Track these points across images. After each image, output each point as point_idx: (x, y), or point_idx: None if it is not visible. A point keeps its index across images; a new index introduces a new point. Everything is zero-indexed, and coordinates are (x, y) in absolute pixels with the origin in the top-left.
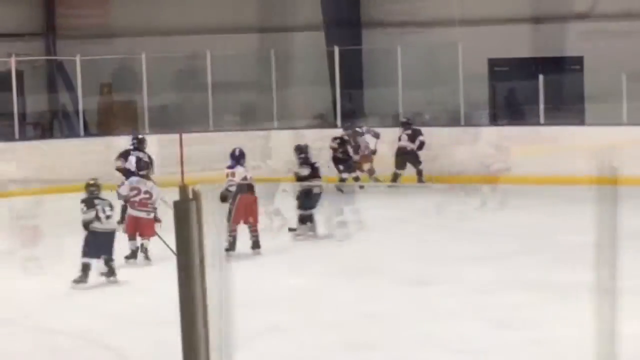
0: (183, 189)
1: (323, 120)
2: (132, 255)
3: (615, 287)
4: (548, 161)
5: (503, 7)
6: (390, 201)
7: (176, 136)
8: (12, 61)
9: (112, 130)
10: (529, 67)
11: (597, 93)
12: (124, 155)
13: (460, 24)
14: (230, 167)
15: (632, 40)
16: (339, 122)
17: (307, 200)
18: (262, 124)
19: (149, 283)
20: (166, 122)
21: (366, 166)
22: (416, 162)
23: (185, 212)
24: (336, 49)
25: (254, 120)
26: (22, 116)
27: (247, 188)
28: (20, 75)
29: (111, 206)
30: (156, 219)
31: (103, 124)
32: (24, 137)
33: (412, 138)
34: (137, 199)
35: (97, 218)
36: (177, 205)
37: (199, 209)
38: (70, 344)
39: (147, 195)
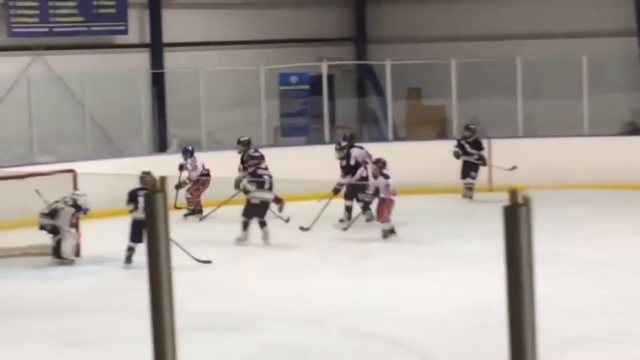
0: (513, 193)
1: (634, 128)
2: None
3: None
4: None
5: None
6: None
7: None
8: (324, 66)
9: (420, 135)
10: None
11: None
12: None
13: None
14: None
15: None
16: None
17: None
18: (569, 131)
19: (465, 288)
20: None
21: None
22: None
23: (515, 217)
24: None
25: (558, 127)
26: (332, 120)
27: None
28: (330, 79)
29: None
30: None
31: (411, 129)
32: (333, 140)
33: None
34: None
35: (136, 208)
36: (506, 211)
37: (528, 214)
38: (378, 347)
39: None
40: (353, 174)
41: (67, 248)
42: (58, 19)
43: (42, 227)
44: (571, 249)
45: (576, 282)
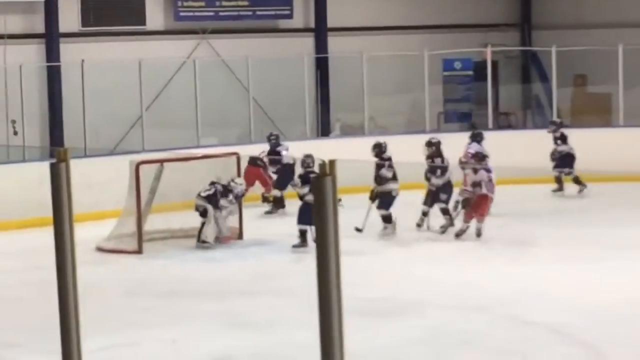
0: None
1: None
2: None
3: None
4: None
5: None
6: None
7: None
8: (488, 51)
9: (586, 122)
10: None
11: None
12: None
13: None
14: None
15: None
16: None
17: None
18: None
19: (631, 278)
20: None
21: None
22: None
23: None
24: None
25: None
26: (496, 106)
27: None
28: (494, 65)
29: None
30: None
31: (576, 116)
32: (496, 126)
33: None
34: None
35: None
36: None
37: None
38: (543, 336)
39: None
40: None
41: (208, 232)
42: (224, 3)
43: (196, 209)
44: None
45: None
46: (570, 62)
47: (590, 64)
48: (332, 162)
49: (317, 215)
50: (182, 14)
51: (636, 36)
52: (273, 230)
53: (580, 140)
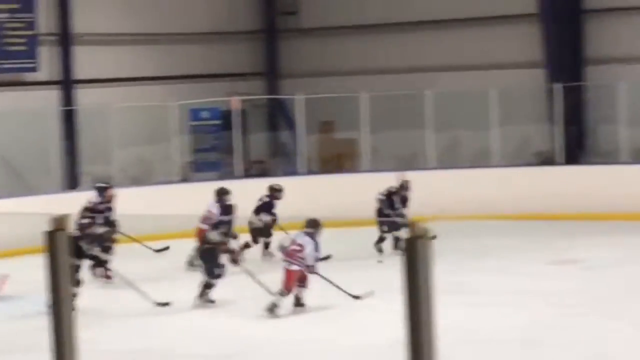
0: (413, 226)
1: (542, 159)
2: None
3: None
4: None
5: None
6: None
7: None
8: (234, 100)
9: (333, 168)
10: None
11: None
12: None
13: None
14: None
15: None
16: (560, 160)
17: None
18: (481, 162)
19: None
20: (386, 160)
21: None
22: None
23: (415, 249)
24: (557, 86)
25: (469, 159)
26: (246, 154)
27: None
28: (243, 114)
29: None
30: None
31: (324, 163)
32: (247, 174)
33: None
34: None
35: None
36: (407, 243)
37: (427, 246)
38: None
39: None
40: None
41: None
42: None
43: None
44: (486, 279)
45: (494, 312)
46: (317, 109)
47: (336, 111)
48: (64, 217)
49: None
50: None
51: (380, 82)
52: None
53: (327, 186)
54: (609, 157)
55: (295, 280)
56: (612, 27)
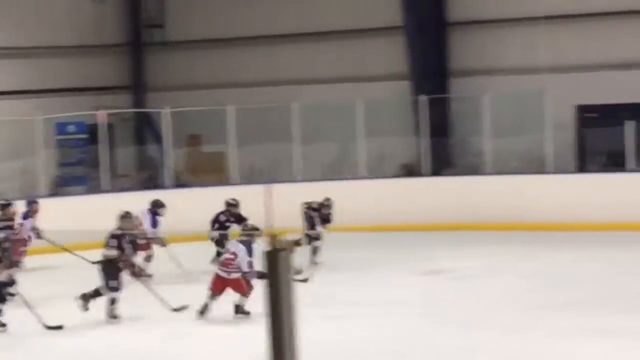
0: (274, 239)
1: (409, 170)
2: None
3: None
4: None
5: (590, 53)
6: None
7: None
8: (100, 114)
9: (202, 181)
10: (618, 113)
11: None
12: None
13: (547, 71)
14: None
15: None
16: (426, 172)
17: None
18: (348, 174)
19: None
20: (254, 173)
21: None
22: None
23: (276, 261)
24: (423, 98)
25: (341, 171)
26: (112, 168)
27: None
28: (110, 127)
29: None
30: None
31: (192, 176)
32: (115, 188)
33: None
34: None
35: None
36: (268, 255)
37: (288, 258)
38: None
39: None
40: None
41: None
42: None
43: None
44: (355, 291)
45: (365, 323)
46: (184, 122)
47: (204, 124)
48: None
49: None
50: None
51: (247, 95)
52: None
53: (195, 199)
54: (474, 169)
55: (222, 284)
56: (476, 39)
